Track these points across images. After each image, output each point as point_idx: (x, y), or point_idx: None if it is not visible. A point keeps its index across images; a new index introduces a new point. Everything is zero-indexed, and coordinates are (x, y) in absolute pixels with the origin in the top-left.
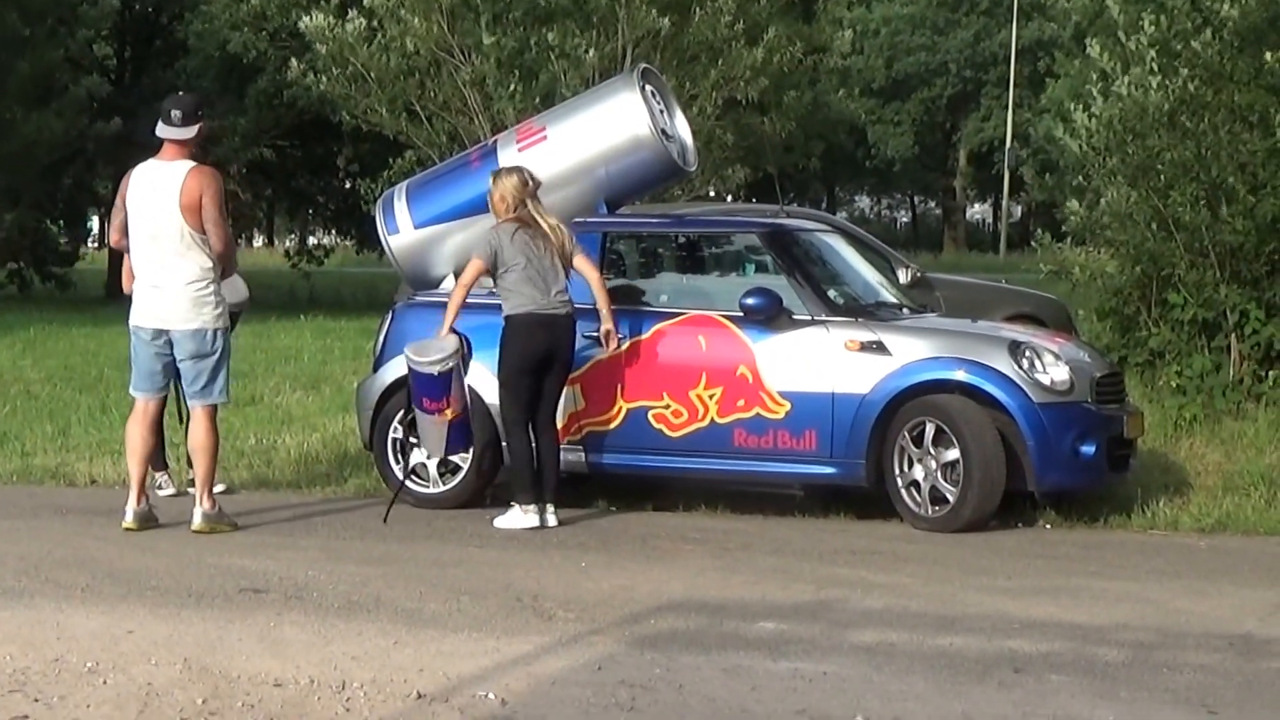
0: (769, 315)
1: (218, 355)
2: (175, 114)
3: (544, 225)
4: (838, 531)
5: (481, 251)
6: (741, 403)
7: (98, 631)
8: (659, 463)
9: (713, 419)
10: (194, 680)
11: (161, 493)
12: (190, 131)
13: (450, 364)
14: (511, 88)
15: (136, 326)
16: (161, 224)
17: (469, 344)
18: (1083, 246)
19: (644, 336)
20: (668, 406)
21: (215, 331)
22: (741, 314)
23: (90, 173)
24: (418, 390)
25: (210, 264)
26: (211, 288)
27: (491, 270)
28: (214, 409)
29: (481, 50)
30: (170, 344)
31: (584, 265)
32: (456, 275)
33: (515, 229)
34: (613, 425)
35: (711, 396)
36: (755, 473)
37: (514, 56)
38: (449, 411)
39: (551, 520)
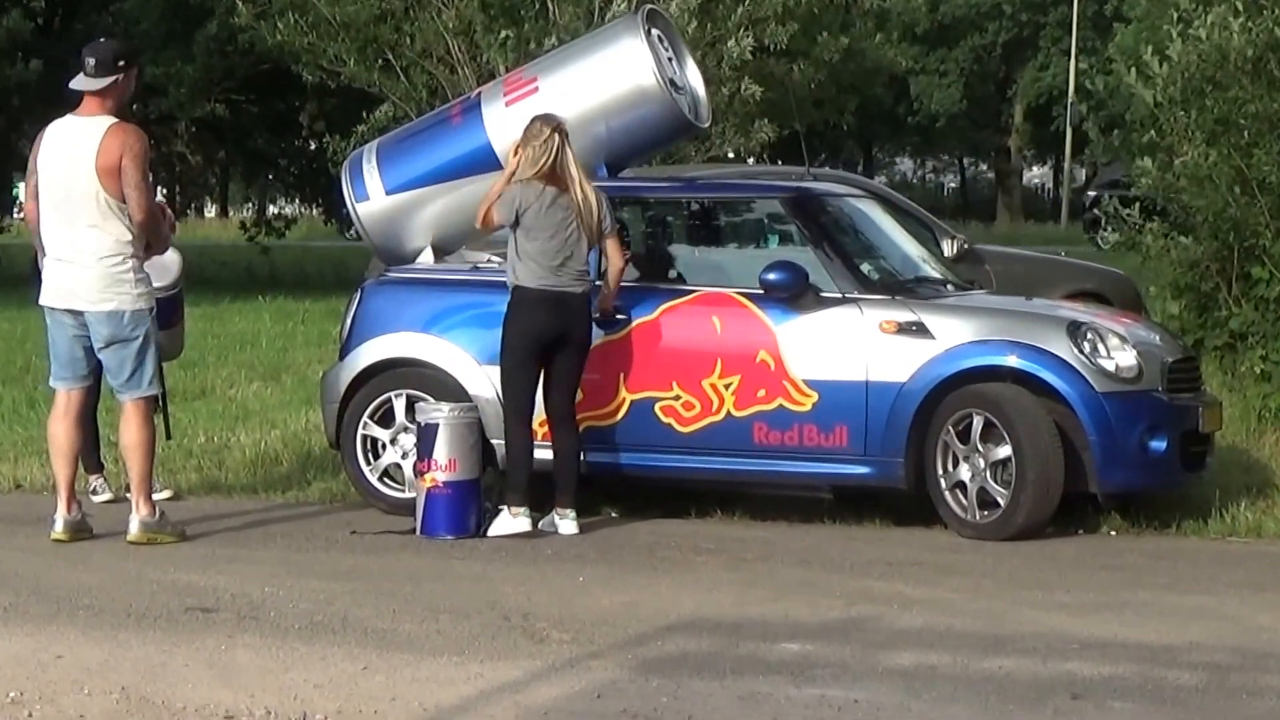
0: (793, 292)
1: (140, 340)
2: (89, 63)
3: (578, 192)
4: (872, 540)
5: (503, 207)
6: (762, 393)
7: (22, 656)
8: (667, 462)
9: (729, 412)
10: (133, 712)
11: (96, 498)
12: (103, 82)
13: (433, 419)
14: (503, 35)
15: (48, 307)
16: (75, 189)
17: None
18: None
19: (650, 317)
20: (677, 398)
21: (134, 314)
22: (762, 291)
23: (14, 130)
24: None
25: (130, 237)
26: (130, 264)
27: (510, 227)
28: (147, 402)
29: None
30: (87, 326)
31: (614, 249)
32: (435, 249)
33: (544, 189)
34: (614, 419)
35: (727, 386)
36: (777, 473)
37: None
38: (428, 477)
39: (570, 528)
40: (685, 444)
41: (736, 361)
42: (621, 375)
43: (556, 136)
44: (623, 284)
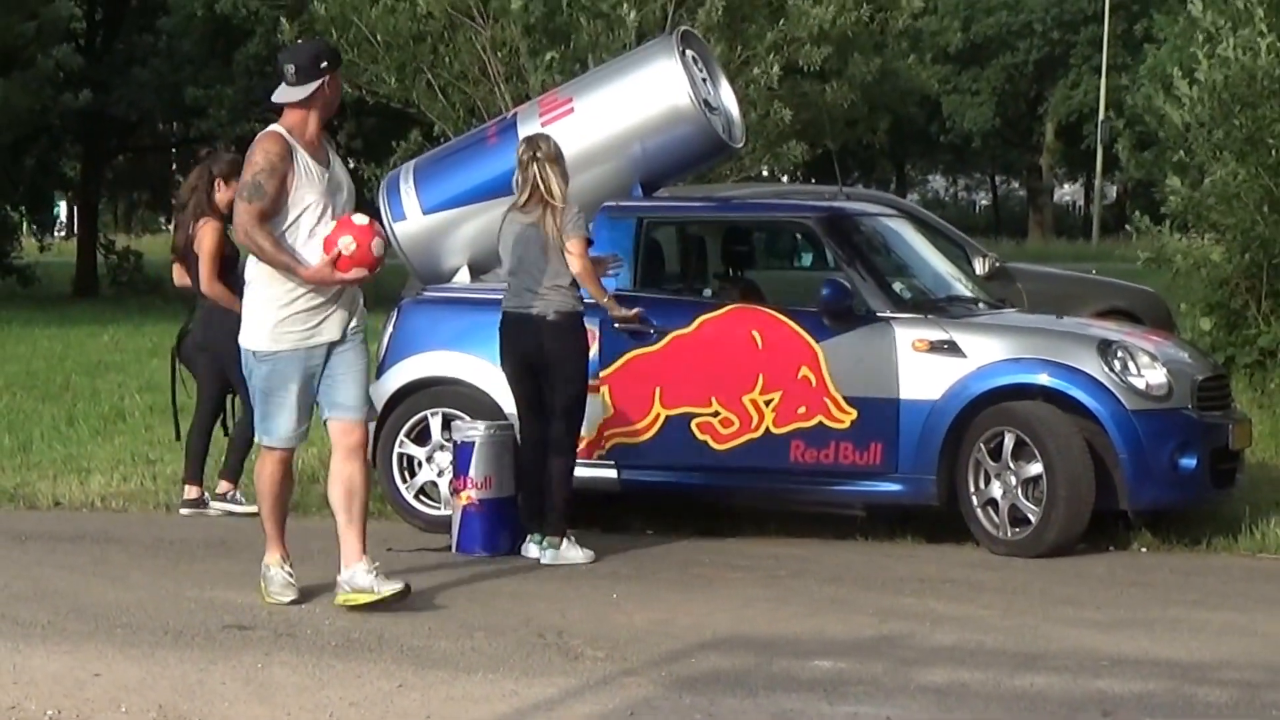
0: (839, 311)
1: (249, 380)
2: (289, 70)
3: (538, 205)
4: (904, 557)
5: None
6: (803, 410)
7: (60, 674)
8: (698, 481)
9: (768, 429)
10: None
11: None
12: (308, 89)
13: (469, 437)
14: (548, 57)
15: None
16: None
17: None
18: (1184, 232)
19: (687, 330)
20: (716, 414)
21: (251, 353)
22: (813, 309)
23: (56, 151)
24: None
25: (254, 260)
26: (264, 295)
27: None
28: (273, 448)
29: (509, 14)
30: None
31: (571, 251)
32: (471, 268)
33: (509, 209)
34: (645, 436)
35: (769, 403)
36: (812, 492)
37: (545, 20)
38: (463, 494)
39: (539, 555)
40: (719, 463)
41: (779, 377)
42: (656, 390)
43: (527, 156)
44: (656, 296)
